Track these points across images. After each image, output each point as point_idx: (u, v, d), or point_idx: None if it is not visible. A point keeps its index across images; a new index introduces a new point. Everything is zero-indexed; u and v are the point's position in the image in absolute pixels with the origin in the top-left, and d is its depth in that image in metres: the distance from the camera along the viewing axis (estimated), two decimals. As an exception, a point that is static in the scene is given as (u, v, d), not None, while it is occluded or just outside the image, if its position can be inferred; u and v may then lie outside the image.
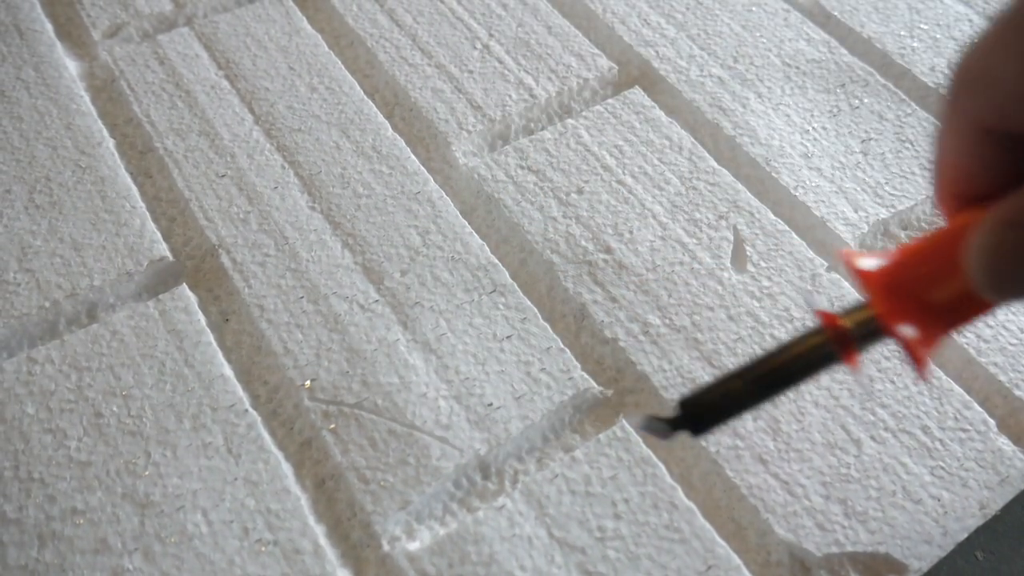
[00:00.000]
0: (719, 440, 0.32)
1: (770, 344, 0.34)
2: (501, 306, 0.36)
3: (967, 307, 0.22)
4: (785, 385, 0.24)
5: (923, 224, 0.40)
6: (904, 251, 0.23)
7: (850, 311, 0.24)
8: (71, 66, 0.45)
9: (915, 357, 0.23)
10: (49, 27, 0.46)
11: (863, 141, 0.42)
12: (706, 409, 0.24)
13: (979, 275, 0.20)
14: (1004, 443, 0.32)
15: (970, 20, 0.47)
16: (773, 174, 0.40)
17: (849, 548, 0.30)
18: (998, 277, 0.20)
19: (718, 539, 0.30)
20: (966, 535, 0.31)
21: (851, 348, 0.24)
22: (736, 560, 0.30)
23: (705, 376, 0.34)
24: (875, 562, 0.30)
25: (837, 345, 0.24)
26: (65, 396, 0.33)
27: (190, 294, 0.36)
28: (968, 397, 0.34)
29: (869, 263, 0.23)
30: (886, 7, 0.48)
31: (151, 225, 0.38)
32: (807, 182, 0.40)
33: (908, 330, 0.23)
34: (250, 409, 0.33)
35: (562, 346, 0.34)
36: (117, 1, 0.47)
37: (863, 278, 0.23)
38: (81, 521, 0.30)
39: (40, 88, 0.43)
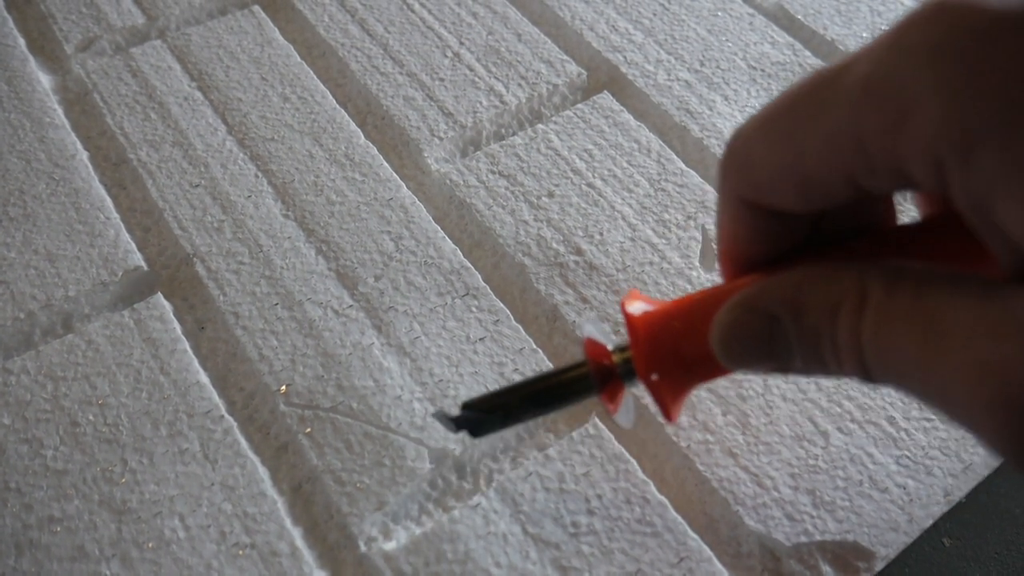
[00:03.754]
0: (690, 435, 0.33)
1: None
2: (474, 309, 0.36)
3: (712, 366, 0.24)
4: (550, 406, 0.27)
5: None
6: (672, 303, 0.25)
7: (621, 347, 0.26)
8: (44, 80, 0.45)
9: (660, 402, 0.25)
10: (22, 42, 0.47)
11: (827, 141, 0.42)
12: (483, 415, 0.27)
13: (715, 345, 0.23)
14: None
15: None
16: (740, 174, 0.41)
17: (818, 537, 0.30)
18: (730, 351, 0.23)
19: (690, 532, 0.30)
20: (931, 522, 0.31)
21: (616, 382, 0.26)
22: (708, 552, 0.30)
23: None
24: (843, 550, 0.30)
25: (599, 377, 0.26)
26: (41, 406, 0.33)
27: (165, 303, 0.36)
28: (932, 388, 0.34)
29: (637, 307, 0.25)
30: (848, 10, 0.49)
31: (125, 235, 0.38)
32: (773, 182, 0.41)
33: (658, 376, 0.25)
34: (226, 415, 0.33)
35: (535, 347, 0.35)
36: (90, 15, 0.47)
37: (627, 321, 0.25)
38: (58, 529, 0.30)
39: (13, 102, 0.43)
